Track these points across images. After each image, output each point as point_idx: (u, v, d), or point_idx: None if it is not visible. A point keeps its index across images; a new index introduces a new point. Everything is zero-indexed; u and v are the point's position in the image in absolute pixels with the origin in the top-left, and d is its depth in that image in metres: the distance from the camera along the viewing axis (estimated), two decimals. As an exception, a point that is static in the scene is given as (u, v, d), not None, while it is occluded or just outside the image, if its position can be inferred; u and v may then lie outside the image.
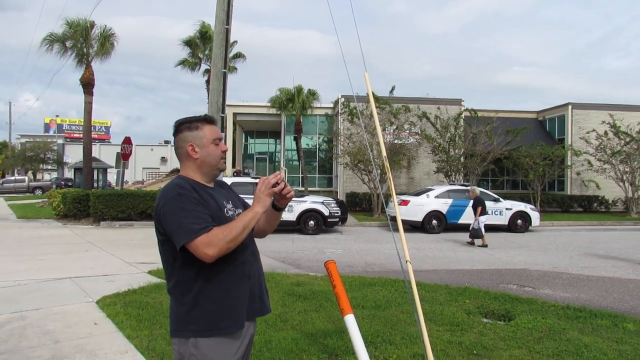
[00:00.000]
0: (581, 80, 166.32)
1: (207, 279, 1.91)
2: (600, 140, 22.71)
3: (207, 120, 2.08)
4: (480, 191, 13.76)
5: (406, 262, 3.48)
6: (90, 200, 16.29)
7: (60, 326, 4.83)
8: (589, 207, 24.43)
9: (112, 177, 35.07)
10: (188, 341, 1.90)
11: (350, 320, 2.54)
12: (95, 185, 23.35)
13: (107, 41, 19.79)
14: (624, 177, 22.40)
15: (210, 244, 1.78)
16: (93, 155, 23.20)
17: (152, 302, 5.62)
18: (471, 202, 13.18)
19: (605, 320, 5.22)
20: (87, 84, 19.87)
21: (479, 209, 12.50)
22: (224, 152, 2.09)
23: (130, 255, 9.55)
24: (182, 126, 2.04)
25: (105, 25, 20.23)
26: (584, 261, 10.03)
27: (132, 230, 14.72)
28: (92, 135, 24.07)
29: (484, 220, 12.52)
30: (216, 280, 1.92)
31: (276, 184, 1.96)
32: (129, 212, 15.97)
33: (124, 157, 18.57)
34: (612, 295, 6.89)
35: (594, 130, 23.27)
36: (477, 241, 12.41)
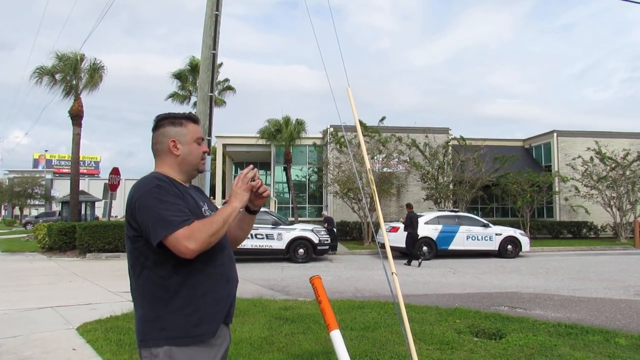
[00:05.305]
0: (564, 112, 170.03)
1: (185, 279, 1.75)
2: (586, 167, 23.01)
3: (191, 118, 1.99)
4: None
5: (392, 274, 3.44)
6: (76, 232, 16.03)
7: (38, 352, 4.65)
8: (579, 232, 24.53)
9: (100, 211, 34.66)
10: (160, 350, 1.71)
11: (336, 336, 2.46)
12: (82, 219, 23.04)
13: (96, 73, 20.00)
14: (612, 203, 22.60)
15: (192, 237, 1.66)
16: (81, 189, 22.99)
17: (134, 328, 5.44)
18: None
19: (597, 336, 5.15)
20: (76, 116, 19.91)
21: (326, 225, 16.52)
22: (205, 152, 2.00)
23: (116, 285, 9.32)
24: (165, 121, 1.94)
25: (95, 58, 20.55)
26: (575, 284, 9.97)
27: (118, 262, 14.43)
28: (81, 170, 24.01)
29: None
30: (194, 281, 1.77)
31: (252, 178, 1.89)
32: (116, 244, 15.70)
33: (111, 187, 18.38)
34: (604, 315, 6.83)
35: (579, 156, 23.62)
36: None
